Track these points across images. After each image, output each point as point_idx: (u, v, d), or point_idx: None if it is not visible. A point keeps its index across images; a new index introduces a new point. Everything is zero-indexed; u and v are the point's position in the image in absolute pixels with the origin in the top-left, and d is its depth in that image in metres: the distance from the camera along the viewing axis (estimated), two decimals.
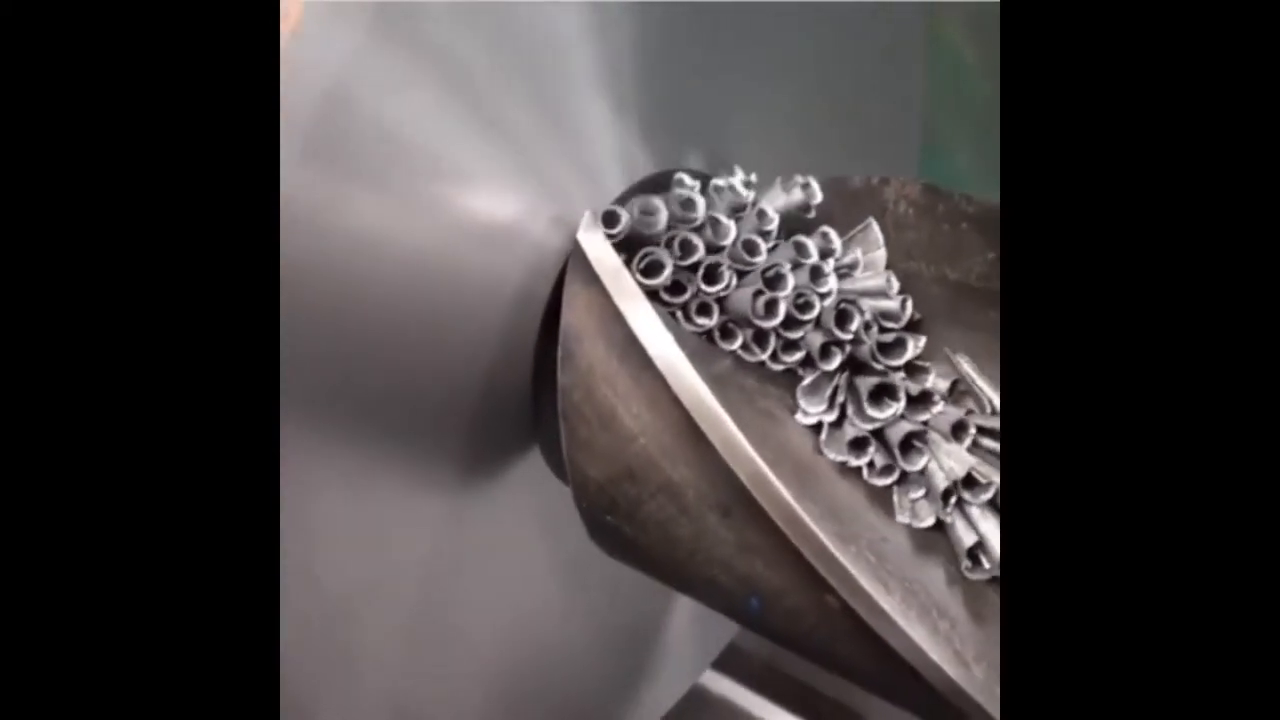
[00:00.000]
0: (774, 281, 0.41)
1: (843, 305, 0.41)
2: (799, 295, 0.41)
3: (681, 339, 0.37)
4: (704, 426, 0.35)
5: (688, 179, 0.43)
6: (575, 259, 0.38)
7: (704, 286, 0.41)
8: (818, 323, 0.42)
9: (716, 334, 0.42)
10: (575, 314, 0.38)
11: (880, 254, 0.44)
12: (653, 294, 0.41)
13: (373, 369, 0.38)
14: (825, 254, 0.43)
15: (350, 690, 0.44)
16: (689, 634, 0.61)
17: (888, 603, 0.34)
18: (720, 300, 0.42)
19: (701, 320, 0.41)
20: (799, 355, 0.42)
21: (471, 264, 0.39)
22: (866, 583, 0.34)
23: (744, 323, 0.41)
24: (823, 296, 0.42)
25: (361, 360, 0.38)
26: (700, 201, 0.41)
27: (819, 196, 0.44)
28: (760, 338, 0.42)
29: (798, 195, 0.44)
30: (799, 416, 0.40)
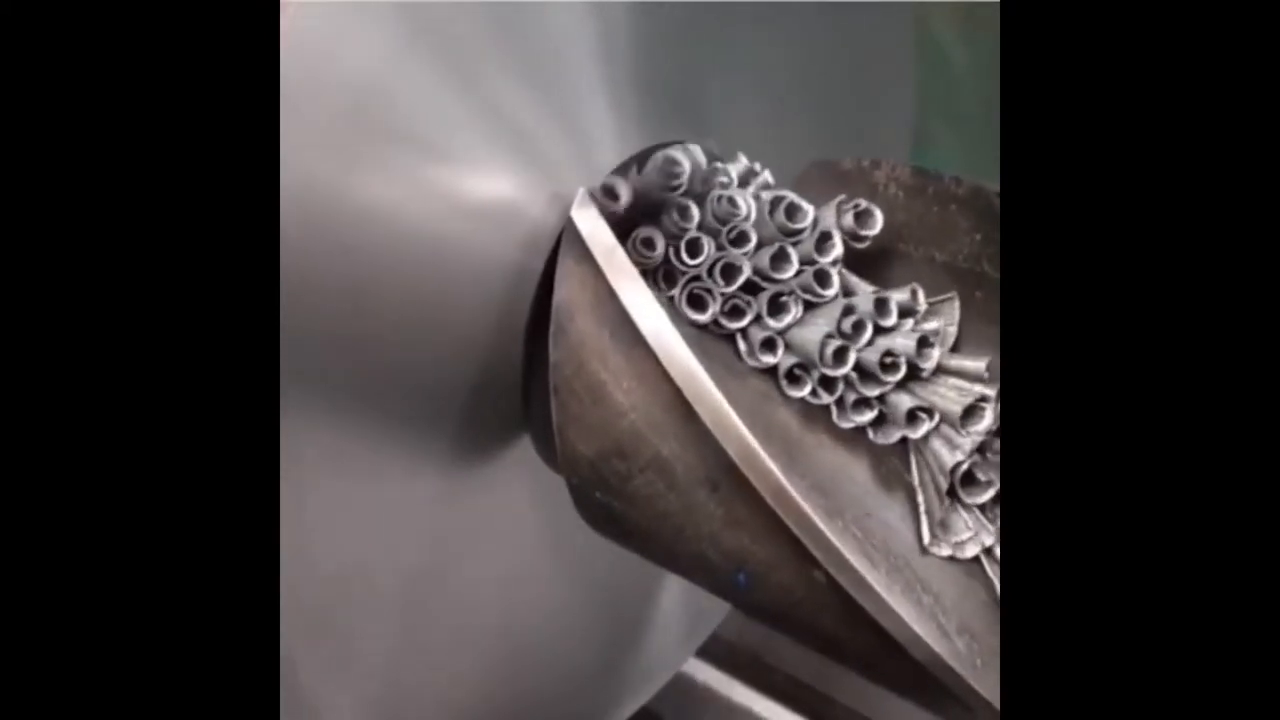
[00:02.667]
0: (851, 333, 0.40)
1: (978, 402, 0.39)
2: (886, 354, 0.39)
3: (674, 318, 0.37)
4: (693, 402, 0.35)
5: (730, 169, 0.42)
6: (568, 236, 0.38)
7: (768, 319, 0.40)
8: (903, 384, 0.40)
9: (783, 380, 0.40)
10: (568, 290, 0.38)
11: (953, 330, 0.42)
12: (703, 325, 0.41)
13: (369, 348, 0.39)
14: (906, 313, 0.41)
15: (344, 668, 0.44)
16: (674, 622, 0.61)
17: (873, 577, 0.34)
18: (782, 333, 0.40)
19: (766, 358, 0.40)
20: (870, 415, 0.40)
21: (470, 243, 0.39)
22: (853, 557, 0.34)
23: (810, 364, 0.40)
24: (916, 370, 0.40)
25: (357, 339, 0.38)
26: (743, 205, 0.41)
27: (878, 226, 0.42)
28: (828, 384, 0.40)
29: (848, 221, 0.42)
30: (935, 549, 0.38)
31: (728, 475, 0.35)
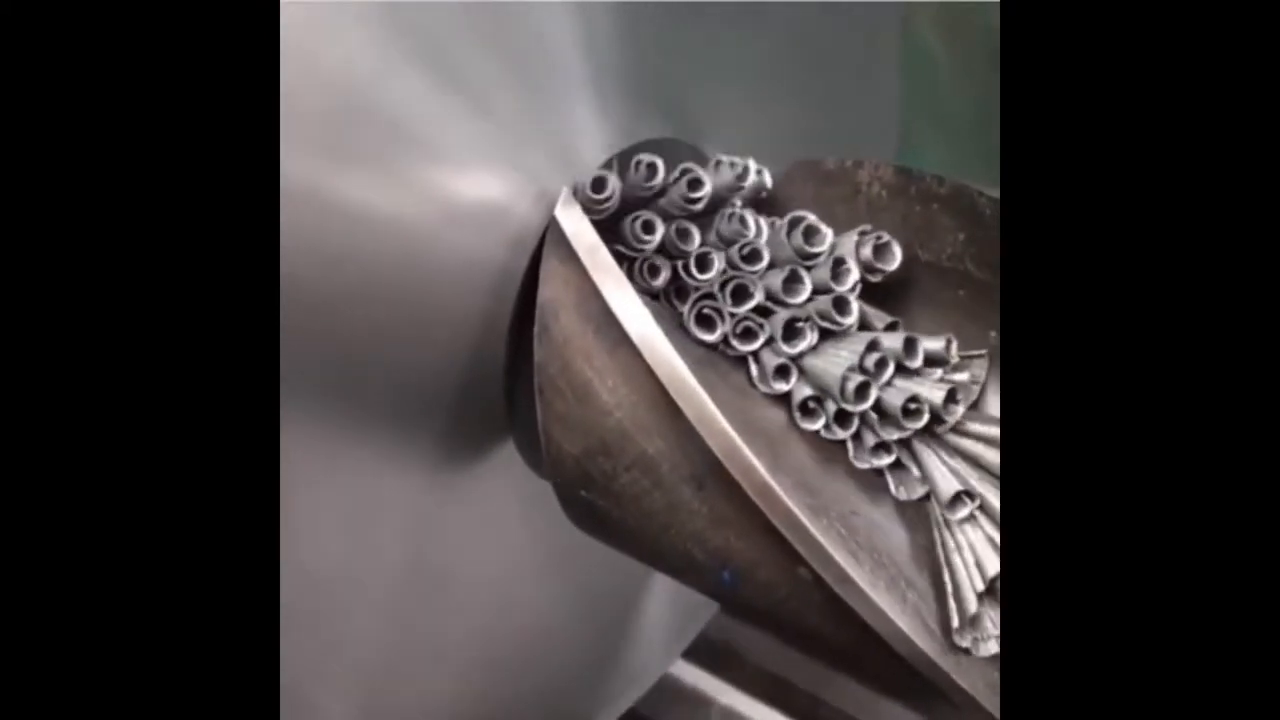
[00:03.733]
0: (874, 370, 0.39)
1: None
2: (912, 399, 0.39)
3: (658, 316, 0.37)
4: (678, 400, 0.35)
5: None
6: (552, 235, 0.39)
7: (782, 344, 0.40)
8: (923, 434, 0.39)
9: (796, 411, 0.40)
10: (552, 289, 0.38)
11: (977, 388, 0.41)
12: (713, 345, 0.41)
13: (355, 348, 0.39)
14: (935, 361, 0.40)
15: (330, 666, 0.44)
16: (661, 623, 0.61)
17: (857, 573, 0.34)
18: (797, 359, 0.40)
19: (779, 384, 0.40)
20: (888, 459, 0.40)
21: (457, 244, 0.39)
22: (837, 554, 0.34)
23: (827, 396, 0.39)
24: (938, 420, 0.39)
25: (343, 339, 0.38)
26: (753, 224, 0.40)
27: (897, 261, 0.41)
28: (843, 418, 0.40)
29: (867, 252, 0.41)
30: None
31: (713, 473, 0.35)
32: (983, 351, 0.41)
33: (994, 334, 0.40)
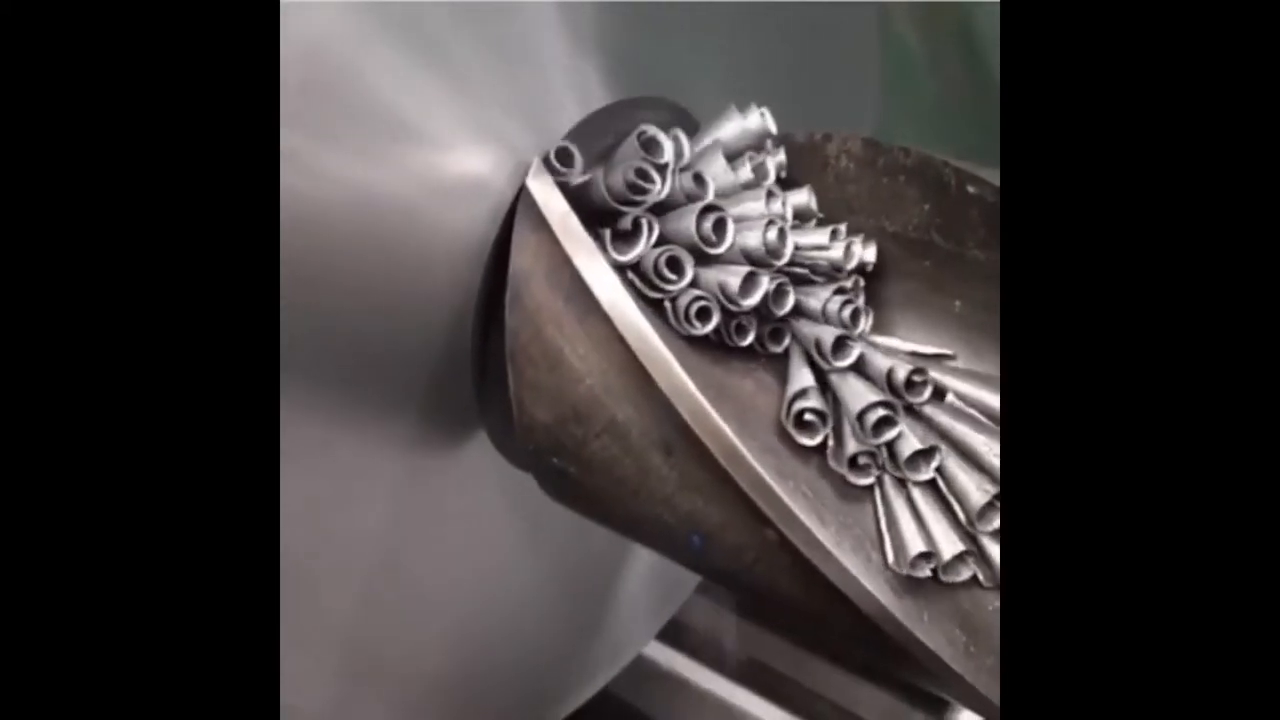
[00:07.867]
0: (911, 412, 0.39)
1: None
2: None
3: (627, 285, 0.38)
4: (647, 365, 0.36)
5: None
6: (524, 204, 0.39)
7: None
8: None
9: (848, 472, 0.38)
10: (523, 258, 0.38)
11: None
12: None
13: (336, 329, 0.39)
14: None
15: (306, 644, 0.45)
16: (637, 605, 0.61)
17: (823, 534, 0.35)
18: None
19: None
20: (871, 478, 0.39)
21: (437, 220, 0.39)
22: (803, 516, 0.35)
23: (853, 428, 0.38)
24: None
25: (324, 320, 0.38)
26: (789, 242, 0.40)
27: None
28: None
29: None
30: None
31: (681, 437, 0.36)
32: (950, 353, 0.41)
33: (958, 303, 0.41)
